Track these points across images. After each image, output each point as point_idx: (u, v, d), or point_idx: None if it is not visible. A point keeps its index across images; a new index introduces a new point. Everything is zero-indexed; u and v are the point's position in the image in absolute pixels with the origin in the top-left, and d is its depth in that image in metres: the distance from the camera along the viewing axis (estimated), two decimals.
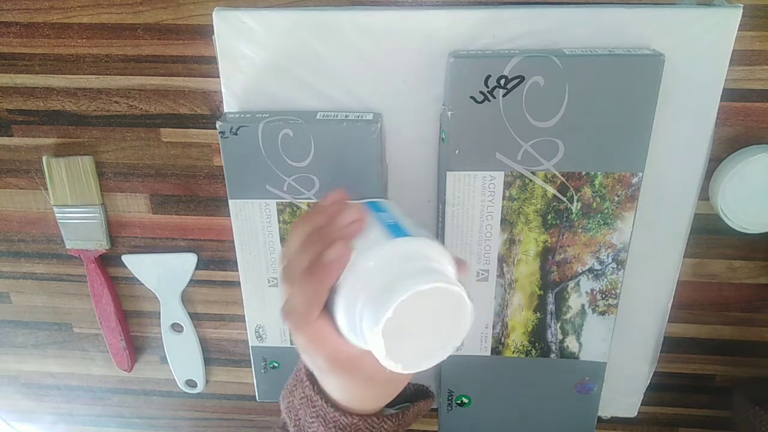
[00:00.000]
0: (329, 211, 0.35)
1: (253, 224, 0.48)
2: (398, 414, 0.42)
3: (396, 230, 0.33)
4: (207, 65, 0.47)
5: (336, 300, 0.33)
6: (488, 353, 0.50)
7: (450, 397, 0.53)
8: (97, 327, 0.59)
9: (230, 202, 0.47)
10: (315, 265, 0.32)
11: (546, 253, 0.46)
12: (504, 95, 0.41)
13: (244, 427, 0.65)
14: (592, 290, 0.47)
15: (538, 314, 0.48)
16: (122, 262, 0.56)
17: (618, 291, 0.47)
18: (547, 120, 0.41)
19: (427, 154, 0.47)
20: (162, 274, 0.56)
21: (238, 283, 0.51)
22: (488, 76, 0.40)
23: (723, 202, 0.46)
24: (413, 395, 0.48)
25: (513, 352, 0.50)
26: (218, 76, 0.45)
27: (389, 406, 0.43)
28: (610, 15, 0.41)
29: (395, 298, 0.29)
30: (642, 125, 0.41)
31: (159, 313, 0.58)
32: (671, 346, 0.55)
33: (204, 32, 0.46)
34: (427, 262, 0.32)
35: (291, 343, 0.53)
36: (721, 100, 0.43)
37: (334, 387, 0.39)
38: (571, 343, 0.49)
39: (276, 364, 0.54)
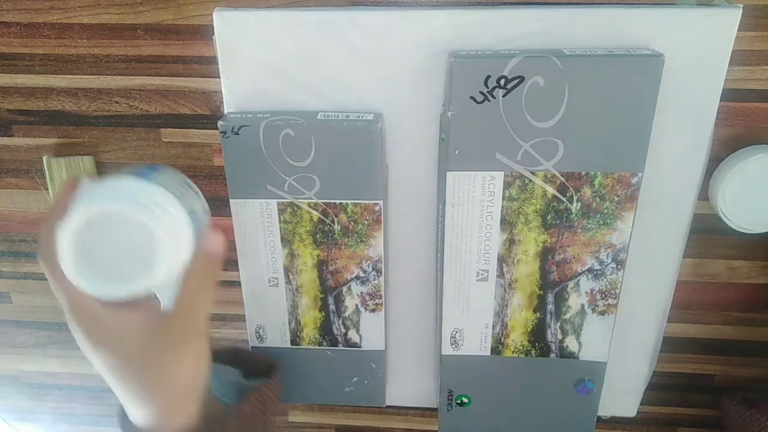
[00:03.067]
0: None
1: (253, 224, 0.48)
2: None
3: (138, 175, 0.35)
4: (207, 65, 0.47)
5: None
6: (488, 353, 0.50)
7: (450, 397, 0.53)
8: None
9: (231, 201, 0.47)
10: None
11: (546, 253, 0.46)
12: (504, 95, 0.41)
13: None
14: (591, 290, 0.47)
15: (538, 314, 0.48)
16: None
17: (618, 291, 0.47)
18: (547, 120, 0.41)
19: (427, 154, 0.47)
20: None
21: (238, 283, 0.51)
22: (488, 77, 0.40)
23: (723, 202, 0.46)
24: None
25: (513, 352, 0.50)
26: (218, 76, 0.45)
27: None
28: (610, 15, 0.41)
29: (81, 209, 0.32)
30: (642, 125, 0.41)
31: None
32: (671, 346, 0.55)
33: (204, 32, 0.46)
34: (144, 200, 0.33)
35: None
36: (720, 101, 0.43)
37: (121, 392, 0.38)
38: (570, 342, 0.49)
39: None
